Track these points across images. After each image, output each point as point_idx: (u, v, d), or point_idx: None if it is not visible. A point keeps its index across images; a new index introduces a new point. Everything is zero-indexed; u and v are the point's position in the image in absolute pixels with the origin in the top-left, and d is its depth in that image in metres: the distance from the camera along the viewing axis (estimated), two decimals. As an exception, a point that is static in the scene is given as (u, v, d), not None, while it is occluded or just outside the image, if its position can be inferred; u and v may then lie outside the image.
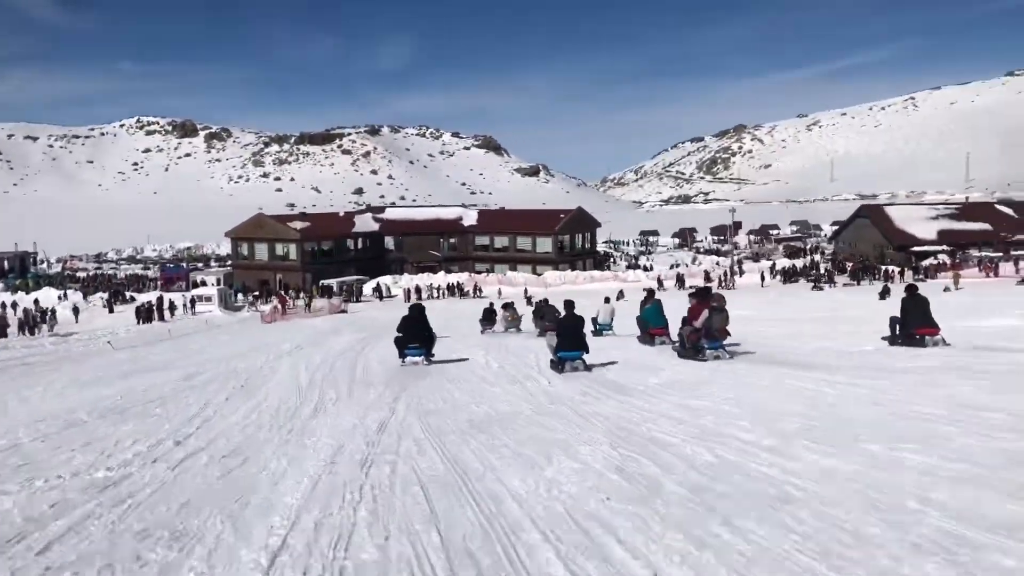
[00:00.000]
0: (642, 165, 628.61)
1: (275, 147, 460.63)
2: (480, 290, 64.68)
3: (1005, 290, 41.36)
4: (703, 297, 14.42)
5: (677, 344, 15.03)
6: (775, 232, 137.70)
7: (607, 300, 24.07)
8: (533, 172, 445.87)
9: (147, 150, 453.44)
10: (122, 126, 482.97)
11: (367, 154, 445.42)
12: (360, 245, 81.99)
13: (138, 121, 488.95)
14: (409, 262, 79.62)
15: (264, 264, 76.46)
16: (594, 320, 21.49)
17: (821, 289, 55.73)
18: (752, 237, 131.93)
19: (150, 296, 59.86)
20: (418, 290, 63.27)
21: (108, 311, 54.68)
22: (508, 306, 28.78)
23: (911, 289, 15.38)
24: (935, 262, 69.65)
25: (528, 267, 75.89)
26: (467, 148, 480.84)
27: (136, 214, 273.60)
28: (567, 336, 13.34)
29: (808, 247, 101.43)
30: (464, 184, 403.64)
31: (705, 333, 13.70)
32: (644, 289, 26.98)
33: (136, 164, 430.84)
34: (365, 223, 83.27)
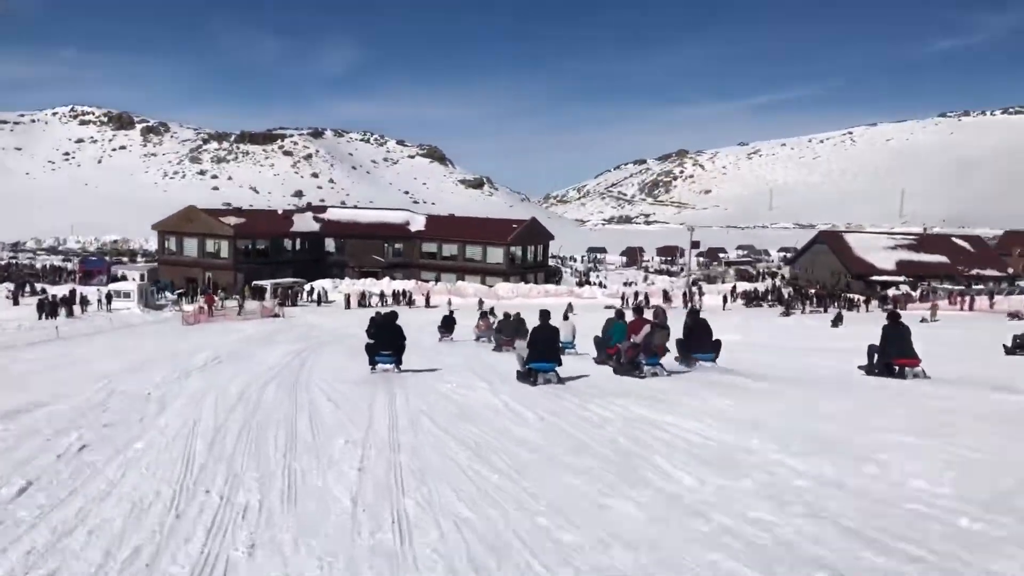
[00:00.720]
0: (585, 184, 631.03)
1: (214, 144, 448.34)
2: (429, 300, 60.38)
3: (995, 324, 38.69)
4: (641, 313, 14.97)
5: (613, 361, 14.67)
6: (723, 255, 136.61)
7: (566, 316, 23.04)
8: (477, 184, 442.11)
9: (80, 140, 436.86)
10: (55, 114, 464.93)
11: (309, 156, 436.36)
12: (298, 246, 76.82)
13: (72, 110, 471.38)
14: (351, 266, 74.75)
15: (193, 261, 70.78)
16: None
17: (789, 315, 53.07)
18: (700, 259, 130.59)
19: (63, 289, 54.12)
20: (362, 297, 58.63)
21: (13, 303, 49.05)
22: (485, 315, 28.73)
23: (894, 317, 14.46)
24: (898, 292, 67.72)
25: (477, 277, 71.75)
26: (411, 156, 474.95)
27: (63, 205, 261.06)
28: (540, 346, 12.88)
29: (759, 271, 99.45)
30: (407, 192, 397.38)
31: (644, 348, 13.32)
32: (608, 307, 26.48)
33: (68, 154, 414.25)
34: (305, 223, 78.09)
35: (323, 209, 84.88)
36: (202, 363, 17.36)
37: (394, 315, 16.39)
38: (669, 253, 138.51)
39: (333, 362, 17.45)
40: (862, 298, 61.81)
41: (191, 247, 71.50)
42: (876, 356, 14.22)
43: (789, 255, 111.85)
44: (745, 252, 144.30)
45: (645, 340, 13.33)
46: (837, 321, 41.79)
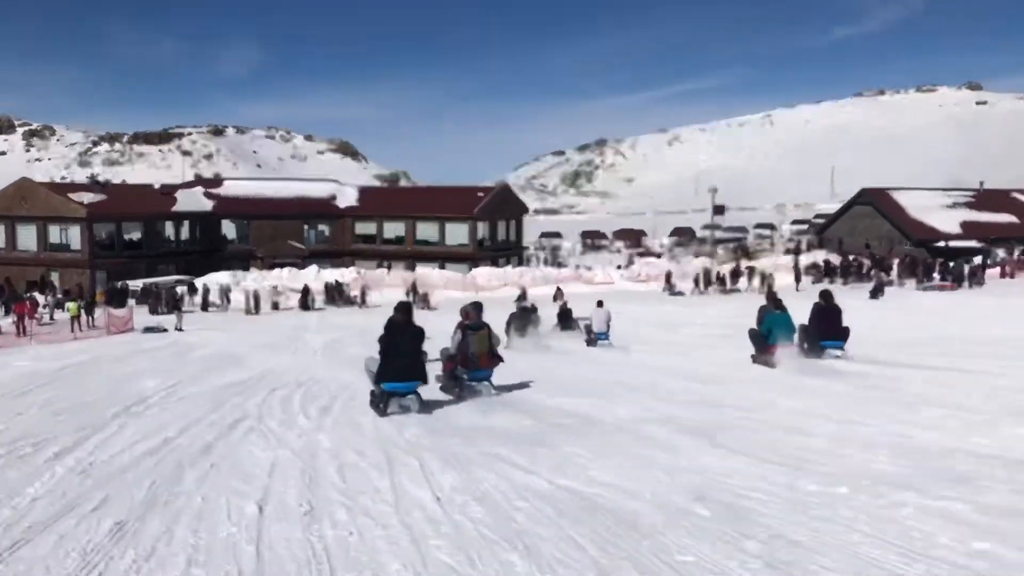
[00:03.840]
0: (504, 177, 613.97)
1: (105, 147, 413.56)
2: (365, 297, 41.19)
3: None
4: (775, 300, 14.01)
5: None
6: (705, 234, 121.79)
7: (600, 303, 19.72)
8: (394, 179, 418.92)
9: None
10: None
11: (209, 156, 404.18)
12: (185, 233, 56.36)
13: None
14: (259, 257, 54.60)
15: (31, 256, 49.83)
16: (588, 327, 19.38)
17: (879, 293, 35.00)
18: (669, 240, 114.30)
19: None
20: (276, 297, 39.13)
21: None
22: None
23: None
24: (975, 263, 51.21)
25: (433, 265, 52.67)
26: (321, 152, 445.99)
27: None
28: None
29: (790, 243, 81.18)
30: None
31: (461, 360, 10.46)
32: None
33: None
34: (193, 200, 57.36)
35: (217, 182, 63.67)
36: None
37: (407, 306, 10.44)
38: (629, 236, 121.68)
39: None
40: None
41: (28, 236, 50.45)
42: None
43: (805, 226, 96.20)
44: (713, 230, 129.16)
45: (460, 348, 10.45)
46: (876, 292, 33.64)
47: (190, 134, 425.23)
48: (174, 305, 33.11)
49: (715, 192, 59.37)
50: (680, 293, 41.87)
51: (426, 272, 46.54)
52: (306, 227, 58.93)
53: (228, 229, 58.29)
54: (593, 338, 18.95)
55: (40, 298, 36.09)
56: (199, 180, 74.56)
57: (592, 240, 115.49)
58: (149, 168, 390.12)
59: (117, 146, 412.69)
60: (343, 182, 64.19)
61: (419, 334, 9.84)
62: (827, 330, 13.32)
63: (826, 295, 14.06)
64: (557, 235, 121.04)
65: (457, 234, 56.03)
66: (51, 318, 33.78)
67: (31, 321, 28.82)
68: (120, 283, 42.77)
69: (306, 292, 39.59)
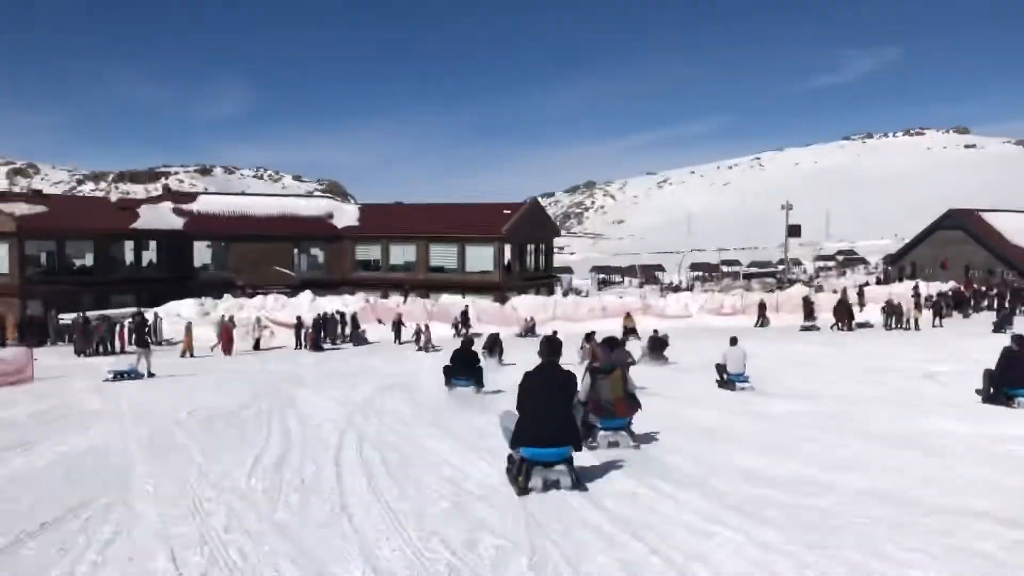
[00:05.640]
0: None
1: (90, 185, 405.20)
2: (400, 329, 30.97)
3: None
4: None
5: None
6: (729, 267, 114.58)
7: (734, 341, 17.00)
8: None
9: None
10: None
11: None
12: (149, 255, 46.09)
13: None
14: (239, 285, 44.17)
15: (-53, 283, 39.32)
16: (721, 368, 16.59)
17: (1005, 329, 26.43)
18: (691, 274, 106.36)
19: None
20: (259, 327, 28.91)
21: None
22: (590, 336, 20.91)
23: None
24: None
25: (454, 294, 42.46)
26: (310, 193, 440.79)
27: None
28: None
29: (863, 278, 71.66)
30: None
31: (594, 407, 9.22)
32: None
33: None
34: (158, 217, 46.91)
35: (190, 197, 52.99)
36: None
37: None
38: (643, 273, 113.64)
39: None
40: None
41: (-56, 259, 39.99)
42: None
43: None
44: (735, 265, 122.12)
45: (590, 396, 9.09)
46: (1002, 326, 28.00)
47: (176, 173, 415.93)
48: (141, 341, 22.38)
49: (790, 209, 49.38)
50: (814, 328, 32.12)
51: (450, 299, 36.34)
52: (296, 251, 48.79)
53: (202, 253, 48.06)
54: (727, 380, 16.33)
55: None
56: (168, 193, 63.38)
57: (646, 275, 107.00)
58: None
59: (103, 184, 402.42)
60: (340, 200, 53.72)
61: (568, 382, 7.34)
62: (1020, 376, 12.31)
63: (1019, 339, 12.74)
64: (568, 270, 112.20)
65: (481, 258, 46.03)
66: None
67: None
68: (31, 312, 32.34)
69: (299, 325, 29.31)
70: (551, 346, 7.58)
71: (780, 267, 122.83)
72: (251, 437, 10.12)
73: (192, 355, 26.30)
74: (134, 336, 22.93)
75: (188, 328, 27.31)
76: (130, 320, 28.05)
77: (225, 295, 36.19)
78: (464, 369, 15.45)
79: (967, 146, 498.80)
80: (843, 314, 31.99)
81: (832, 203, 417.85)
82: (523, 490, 7.05)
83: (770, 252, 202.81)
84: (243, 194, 52.88)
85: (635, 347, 22.54)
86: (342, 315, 31.96)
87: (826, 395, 14.67)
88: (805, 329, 32.08)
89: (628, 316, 30.71)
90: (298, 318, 29.83)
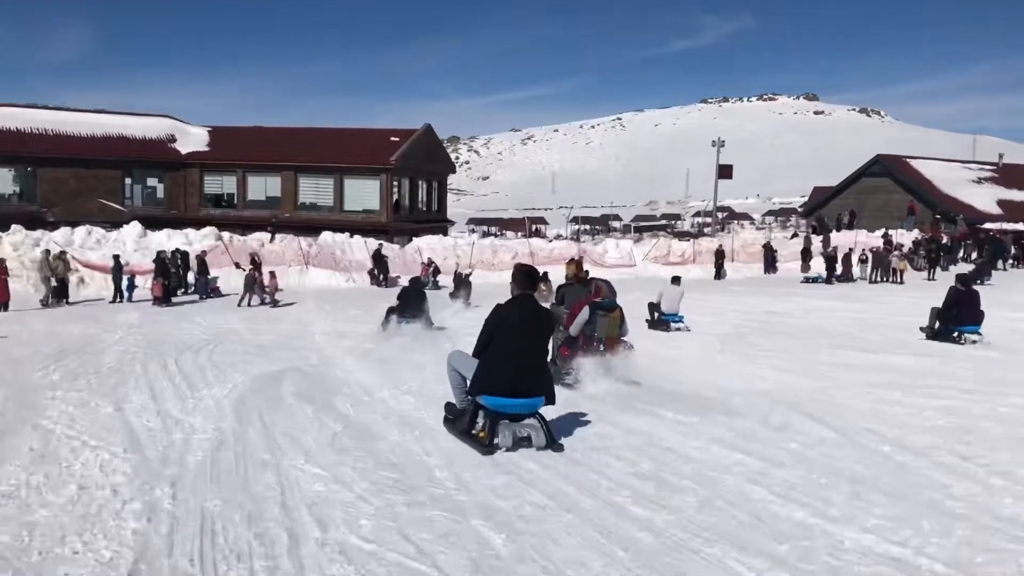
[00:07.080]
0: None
1: None
2: (259, 274, 22.90)
3: None
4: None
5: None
6: (615, 223, 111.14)
7: (676, 280, 17.00)
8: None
9: None
10: None
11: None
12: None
13: None
14: (51, 221, 34.41)
15: None
16: (654, 306, 16.13)
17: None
18: (581, 226, 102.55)
19: None
20: (62, 267, 20.35)
21: None
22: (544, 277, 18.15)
23: None
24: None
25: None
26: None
27: None
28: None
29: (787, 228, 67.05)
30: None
31: (582, 344, 8.84)
32: None
33: None
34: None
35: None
36: None
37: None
38: (520, 227, 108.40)
39: None
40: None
41: None
42: None
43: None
44: (617, 220, 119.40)
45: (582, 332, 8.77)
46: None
47: None
48: None
49: (722, 146, 43.89)
50: (816, 279, 27.07)
51: (337, 238, 28.44)
52: (128, 181, 39.25)
53: (2, 179, 37.85)
54: (658, 319, 15.54)
55: None
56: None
57: (489, 229, 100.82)
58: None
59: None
60: (187, 121, 43.88)
61: (547, 320, 6.31)
62: (967, 315, 12.99)
63: (964, 279, 13.78)
64: (448, 222, 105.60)
65: (362, 195, 38.09)
66: None
67: None
68: None
69: (116, 266, 20.90)
70: (528, 275, 6.43)
71: (666, 221, 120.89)
72: None
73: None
74: None
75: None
76: None
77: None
78: (410, 309, 14.05)
79: (816, 112, 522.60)
80: (878, 265, 27.20)
81: (690, 164, 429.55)
82: (488, 449, 5.78)
83: (638, 209, 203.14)
84: (58, 109, 42.24)
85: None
86: (184, 255, 23.63)
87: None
88: (810, 281, 27.32)
89: (574, 262, 24.12)
90: (115, 258, 21.31)
